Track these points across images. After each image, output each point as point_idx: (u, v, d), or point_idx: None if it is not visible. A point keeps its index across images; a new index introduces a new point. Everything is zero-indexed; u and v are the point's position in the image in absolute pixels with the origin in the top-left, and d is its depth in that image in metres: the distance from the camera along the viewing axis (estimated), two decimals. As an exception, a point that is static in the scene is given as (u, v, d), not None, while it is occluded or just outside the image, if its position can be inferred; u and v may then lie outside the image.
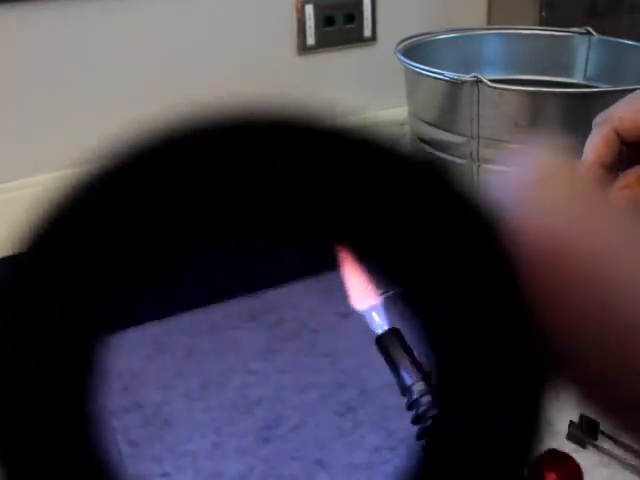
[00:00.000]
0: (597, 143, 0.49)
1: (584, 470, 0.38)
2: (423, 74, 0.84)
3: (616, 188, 0.48)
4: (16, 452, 0.16)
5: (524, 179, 0.16)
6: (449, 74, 0.81)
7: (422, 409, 0.39)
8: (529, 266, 0.15)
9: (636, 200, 0.47)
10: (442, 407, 0.17)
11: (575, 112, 0.79)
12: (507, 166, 0.16)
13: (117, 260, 0.16)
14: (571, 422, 0.72)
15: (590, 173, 0.48)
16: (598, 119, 0.50)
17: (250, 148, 0.14)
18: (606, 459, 0.70)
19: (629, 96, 0.50)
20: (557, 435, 0.73)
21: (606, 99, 0.81)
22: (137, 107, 0.93)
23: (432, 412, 0.39)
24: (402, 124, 1.03)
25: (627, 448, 0.70)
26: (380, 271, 0.17)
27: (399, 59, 0.88)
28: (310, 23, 0.98)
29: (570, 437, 0.72)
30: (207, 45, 0.94)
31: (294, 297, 1.00)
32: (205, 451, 0.73)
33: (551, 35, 0.99)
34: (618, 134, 0.48)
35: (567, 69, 0.98)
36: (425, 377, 0.40)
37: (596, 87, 0.92)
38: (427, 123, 0.88)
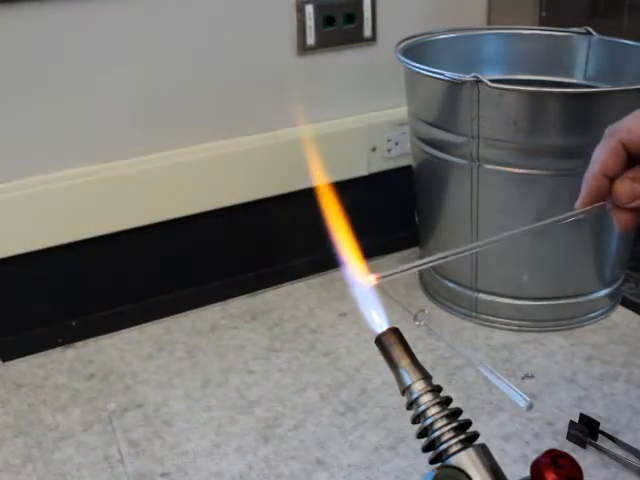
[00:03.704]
0: (603, 154, 0.49)
1: (584, 470, 0.38)
2: (423, 74, 0.84)
3: (625, 177, 0.49)
4: None
5: None
6: (449, 74, 0.81)
7: (422, 408, 0.39)
8: None
9: None
10: None
11: (575, 112, 0.79)
12: None
13: None
14: (571, 422, 0.72)
15: (594, 182, 0.49)
16: (607, 131, 0.50)
17: None
18: (606, 459, 0.70)
19: (638, 110, 0.51)
20: (557, 435, 0.73)
21: (606, 99, 0.81)
22: (137, 107, 0.93)
23: (431, 411, 0.39)
24: (402, 124, 1.03)
25: (627, 448, 0.70)
26: None
27: (399, 59, 0.88)
28: (310, 23, 0.98)
29: (570, 437, 0.72)
30: (207, 45, 0.94)
31: (294, 297, 1.00)
32: (205, 451, 0.73)
33: (551, 35, 0.99)
34: (625, 147, 0.49)
35: (567, 69, 0.98)
36: (425, 377, 0.40)
37: (596, 87, 0.92)
38: (427, 123, 0.88)
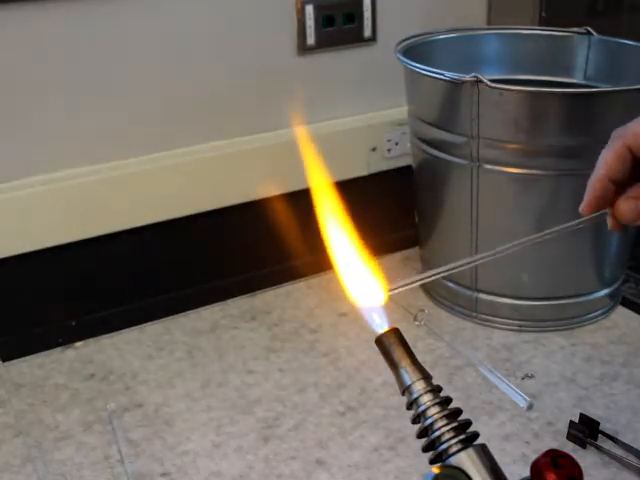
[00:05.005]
0: (608, 157, 0.49)
1: (584, 470, 0.38)
2: (423, 74, 0.84)
3: (625, 197, 0.48)
4: None
5: None
6: (449, 74, 0.81)
7: (422, 408, 0.39)
8: None
9: None
10: None
11: (575, 112, 0.79)
12: None
13: None
14: (571, 422, 0.72)
15: (599, 185, 0.49)
16: (613, 134, 0.50)
17: None
18: (606, 459, 0.70)
19: None
20: (557, 435, 0.73)
21: (606, 99, 0.81)
22: (137, 107, 0.93)
23: (431, 411, 0.39)
24: (402, 124, 1.03)
25: (627, 448, 0.70)
26: None
27: (399, 59, 0.88)
28: (310, 23, 0.98)
29: (570, 437, 0.72)
30: (207, 45, 0.94)
31: (294, 297, 1.00)
32: (205, 451, 0.73)
33: (551, 35, 0.99)
34: (631, 151, 0.49)
35: (567, 69, 0.98)
36: (425, 377, 0.40)
37: (596, 87, 0.92)
38: (427, 123, 0.88)
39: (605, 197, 0.49)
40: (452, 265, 0.46)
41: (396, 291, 0.42)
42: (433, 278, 0.46)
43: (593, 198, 0.49)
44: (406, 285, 0.43)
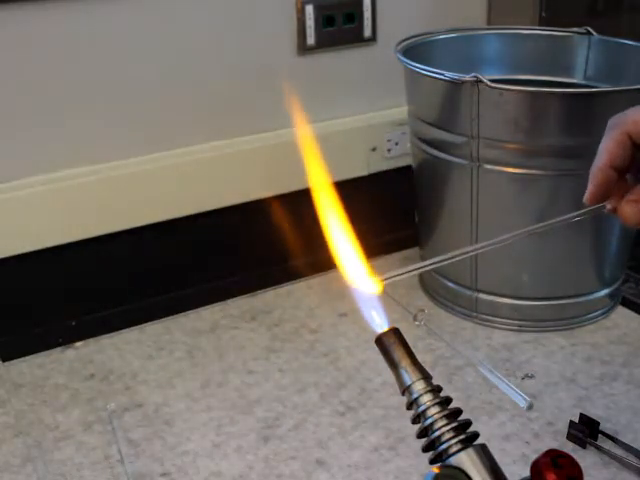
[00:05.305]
0: (609, 145, 0.49)
1: (584, 470, 0.38)
2: (423, 74, 0.84)
3: (627, 200, 0.48)
4: None
5: None
6: (449, 74, 0.81)
7: (422, 408, 0.39)
8: None
9: None
10: None
11: (575, 112, 0.79)
12: None
13: None
14: (571, 422, 0.72)
15: (600, 174, 0.49)
16: (612, 122, 0.50)
17: None
18: (606, 459, 0.70)
19: None
20: (557, 435, 0.73)
21: (606, 99, 0.81)
22: (137, 107, 0.93)
23: (431, 411, 0.39)
24: (402, 124, 1.03)
25: (627, 448, 0.70)
26: None
27: (399, 59, 0.88)
28: (310, 23, 0.98)
29: (570, 437, 0.72)
30: (207, 45, 0.94)
31: (294, 297, 1.00)
32: (205, 451, 0.73)
33: (551, 35, 0.99)
34: (631, 138, 0.49)
35: (567, 69, 0.98)
36: (425, 377, 0.40)
37: (596, 87, 0.92)
38: (427, 123, 0.88)
39: (607, 186, 0.48)
40: (446, 256, 0.46)
41: (390, 280, 0.42)
42: (427, 268, 0.46)
43: (596, 188, 0.49)
44: (400, 275, 0.43)
